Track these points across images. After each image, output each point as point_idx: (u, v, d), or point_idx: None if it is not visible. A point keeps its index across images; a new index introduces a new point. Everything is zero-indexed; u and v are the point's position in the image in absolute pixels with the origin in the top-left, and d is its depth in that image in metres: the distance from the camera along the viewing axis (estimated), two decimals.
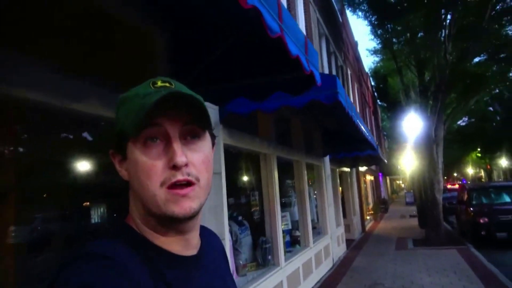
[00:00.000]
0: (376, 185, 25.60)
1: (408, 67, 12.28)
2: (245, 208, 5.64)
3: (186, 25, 2.19)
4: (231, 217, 4.59)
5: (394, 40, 12.23)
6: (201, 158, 0.66)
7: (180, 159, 0.62)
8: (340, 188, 12.15)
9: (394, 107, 23.09)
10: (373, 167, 21.34)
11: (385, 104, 29.12)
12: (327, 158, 8.79)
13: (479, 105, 27.68)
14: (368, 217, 17.22)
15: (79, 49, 2.12)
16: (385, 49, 13.12)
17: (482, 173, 54.97)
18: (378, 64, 23.62)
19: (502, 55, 11.65)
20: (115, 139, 0.69)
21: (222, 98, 3.01)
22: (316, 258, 7.01)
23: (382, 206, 23.28)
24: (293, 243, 6.44)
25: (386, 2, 11.45)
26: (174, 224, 0.67)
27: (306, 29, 8.52)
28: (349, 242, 10.94)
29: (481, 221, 9.27)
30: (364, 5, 12.30)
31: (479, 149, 42.89)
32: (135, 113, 0.63)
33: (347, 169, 12.52)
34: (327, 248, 7.99)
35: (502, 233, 8.96)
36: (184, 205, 0.63)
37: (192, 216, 0.65)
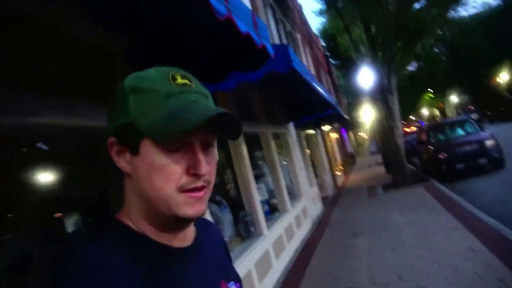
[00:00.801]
0: (341, 141, 26.45)
1: (355, 24, 12.51)
2: (221, 187, 5.75)
3: (137, 15, 2.18)
4: (209, 199, 4.69)
5: None
6: (213, 164, 0.69)
7: (204, 169, 0.64)
8: (308, 150, 12.52)
9: (347, 64, 23.59)
10: (336, 124, 21.98)
11: (338, 62, 29.64)
12: (291, 125, 8.98)
13: (425, 48, 28.77)
14: (338, 173, 17.92)
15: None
16: (331, 9, 13.25)
17: (436, 112, 57.92)
18: (326, 25, 23.82)
19: None
20: (122, 129, 0.65)
21: None
22: (296, 220, 7.31)
23: (349, 159, 24.20)
24: (272, 211, 6.68)
25: None
26: (181, 223, 0.69)
27: (251, 0, 8.44)
28: (324, 199, 11.41)
29: (441, 156, 9.94)
30: None
31: (430, 90, 45.01)
32: (168, 119, 0.61)
33: (312, 132, 12.85)
34: (305, 209, 8.32)
35: (460, 164, 9.68)
36: (198, 208, 0.65)
37: (201, 216, 0.68)
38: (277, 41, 10.77)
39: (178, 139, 0.62)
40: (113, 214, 0.71)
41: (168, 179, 0.63)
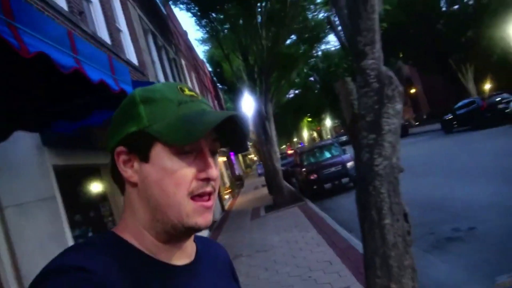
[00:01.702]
0: (229, 164, 27.24)
1: (235, 53, 13.30)
2: (97, 221, 5.48)
3: None
4: (80, 236, 4.46)
5: (219, 27, 13.04)
6: (218, 172, 0.69)
7: (215, 173, 0.66)
8: None
9: (233, 89, 24.63)
10: (224, 148, 22.59)
11: (225, 87, 30.69)
12: None
13: (301, 77, 31.74)
14: (226, 196, 18.37)
15: None
16: (212, 38, 13.87)
17: (315, 134, 63.88)
18: (211, 51, 24.62)
19: (306, 36, 13.75)
20: (131, 137, 0.65)
21: (40, 124, 2.91)
22: None
23: (238, 182, 25.00)
24: None
25: None
26: (187, 233, 0.67)
27: (129, 28, 8.39)
28: (211, 224, 11.57)
29: (312, 177, 11.10)
30: None
31: (308, 115, 49.64)
32: (182, 122, 0.62)
33: None
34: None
35: (328, 184, 10.93)
36: (207, 218, 0.66)
37: (209, 226, 0.67)
38: (159, 67, 10.82)
39: (197, 140, 0.62)
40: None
41: (180, 183, 0.63)
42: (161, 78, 10.78)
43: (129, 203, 0.68)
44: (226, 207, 15.93)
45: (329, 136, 55.63)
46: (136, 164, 0.65)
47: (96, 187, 5.57)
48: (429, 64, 23.66)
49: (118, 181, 0.70)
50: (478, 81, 23.11)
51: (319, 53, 17.27)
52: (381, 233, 2.03)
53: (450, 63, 21.68)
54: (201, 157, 0.65)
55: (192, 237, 0.73)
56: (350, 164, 10.96)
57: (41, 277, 0.55)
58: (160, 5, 13.40)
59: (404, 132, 27.57)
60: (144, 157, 0.64)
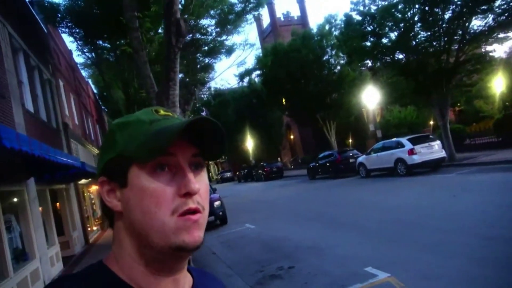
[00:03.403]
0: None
1: (117, 84, 13.35)
2: None
3: None
4: None
5: (102, 56, 12.95)
6: (204, 188, 0.66)
7: (195, 186, 0.62)
8: (58, 204, 11.91)
9: (118, 114, 23.83)
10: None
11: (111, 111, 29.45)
12: (31, 181, 8.56)
13: (192, 111, 32.42)
14: (95, 228, 17.39)
15: None
16: (94, 65, 13.70)
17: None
18: (96, 75, 23.74)
19: (187, 79, 14.54)
20: (110, 165, 0.64)
21: None
22: (21, 286, 6.87)
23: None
24: None
25: (90, 20, 11.93)
26: (178, 257, 0.64)
27: None
28: (68, 258, 10.93)
29: None
30: (67, 20, 12.37)
31: None
32: (150, 136, 0.61)
33: (61, 186, 12.34)
34: (36, 272, 7.88)
35: None
36: (195, 234, 0.61)
37: (199, 246, 0.63)
38: (27, 89, 10.28)
39: (164, 150, 0.60)
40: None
41: (160, 202, 0.60)
42: (29, 100, 10.22)
43: (117, 234, 0.67)
44: (92, 240, 15.09)
45: (211, 173, 56.66)
46: (118, 192, 0.64)
47: None
48: (302, 117, 26.83)
49: (107, 213, 0.68)
50: (341, 137, 26.99)
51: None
52: None
53: (318, 119, 25.02)
54: (180, 172, 0.62)
55: (185, 268, 0.71)
56: (217, 204, 11.70)
57: None
58: (41, 23, 12.83)
59: (280, 174, 30.18)
60: (123, 182, 0.63)
